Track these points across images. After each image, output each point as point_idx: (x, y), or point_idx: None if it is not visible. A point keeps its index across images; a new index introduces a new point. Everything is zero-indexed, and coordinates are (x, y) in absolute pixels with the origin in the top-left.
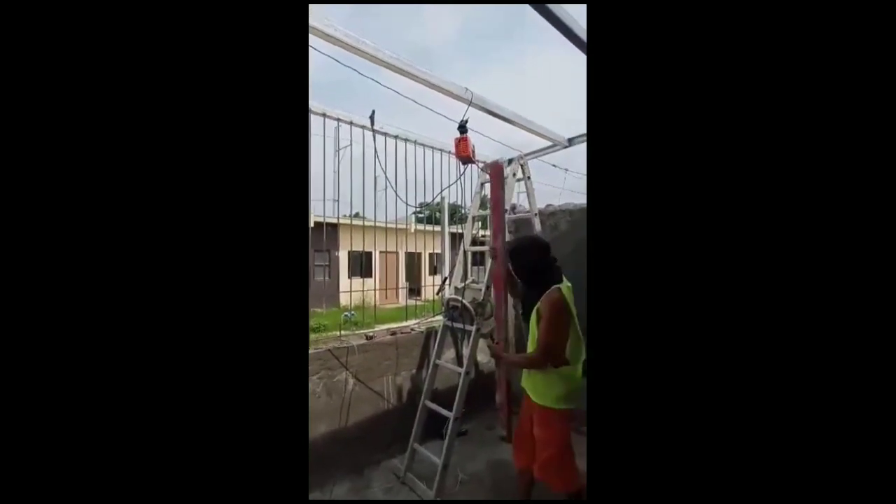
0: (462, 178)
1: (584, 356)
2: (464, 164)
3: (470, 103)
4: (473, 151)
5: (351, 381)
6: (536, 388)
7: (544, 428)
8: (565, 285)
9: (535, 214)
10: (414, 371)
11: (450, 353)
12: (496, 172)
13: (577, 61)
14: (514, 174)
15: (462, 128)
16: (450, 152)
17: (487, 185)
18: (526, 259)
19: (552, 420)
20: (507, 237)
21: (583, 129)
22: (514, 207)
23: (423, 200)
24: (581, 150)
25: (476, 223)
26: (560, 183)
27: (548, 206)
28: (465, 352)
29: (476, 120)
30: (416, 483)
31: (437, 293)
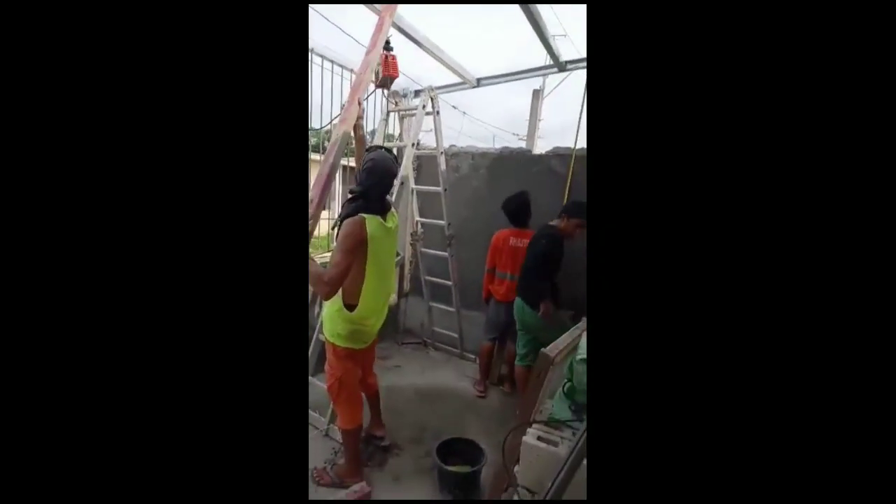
0: (366, 101)
1: (380, 303)
2: (379, 86)
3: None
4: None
5: None
6: (325, 321)
7: (328, 359)
8: (376, 219)
9: (442, 153)
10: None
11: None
12: (387, 11)
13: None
14: (424, 106)
15: (387, 44)
16: (349, 69)
17: (394, 115)
18: (365, 174)
19: (332, 353)
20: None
21: (489, 71)
22: (418, 143)
23: (311, 126)
24: (483, 93)
25: None
26: (458, 126)
27: (451, 146)
28: None
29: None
30: (309, 413)
31: (333, 227)
